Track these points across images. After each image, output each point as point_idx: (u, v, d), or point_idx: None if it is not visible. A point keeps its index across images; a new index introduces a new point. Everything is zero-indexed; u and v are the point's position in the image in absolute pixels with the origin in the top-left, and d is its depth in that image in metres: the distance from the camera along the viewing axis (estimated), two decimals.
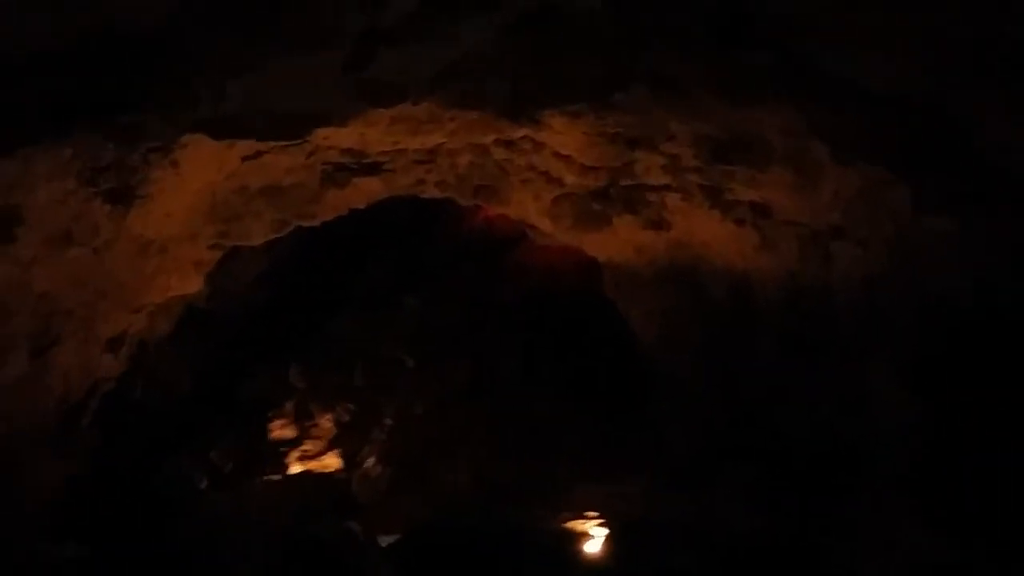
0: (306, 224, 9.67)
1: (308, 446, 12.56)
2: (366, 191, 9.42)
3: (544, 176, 9.08)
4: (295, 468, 12.34)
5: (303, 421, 12.83)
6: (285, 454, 12.54)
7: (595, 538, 9.19)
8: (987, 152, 5.91)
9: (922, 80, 5.51)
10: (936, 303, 6.91)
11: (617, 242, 9.82)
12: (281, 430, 12.77)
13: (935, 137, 5.94)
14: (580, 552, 9.04)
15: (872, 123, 6.13)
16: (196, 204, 8.57)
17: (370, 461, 12.13)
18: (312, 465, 12.36)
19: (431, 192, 9.81)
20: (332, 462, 12.42)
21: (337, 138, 7.97)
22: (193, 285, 9.79)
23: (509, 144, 8.66)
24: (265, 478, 12.03)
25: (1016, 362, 6.46)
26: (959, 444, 6.71)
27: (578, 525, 9.51)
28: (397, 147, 8.44)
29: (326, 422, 12.77)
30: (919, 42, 5.18)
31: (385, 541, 8.89)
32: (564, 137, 8.02)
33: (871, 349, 7.57)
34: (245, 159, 8.20)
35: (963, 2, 4.82)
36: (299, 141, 7.83)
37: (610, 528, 9.20)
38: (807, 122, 6.54)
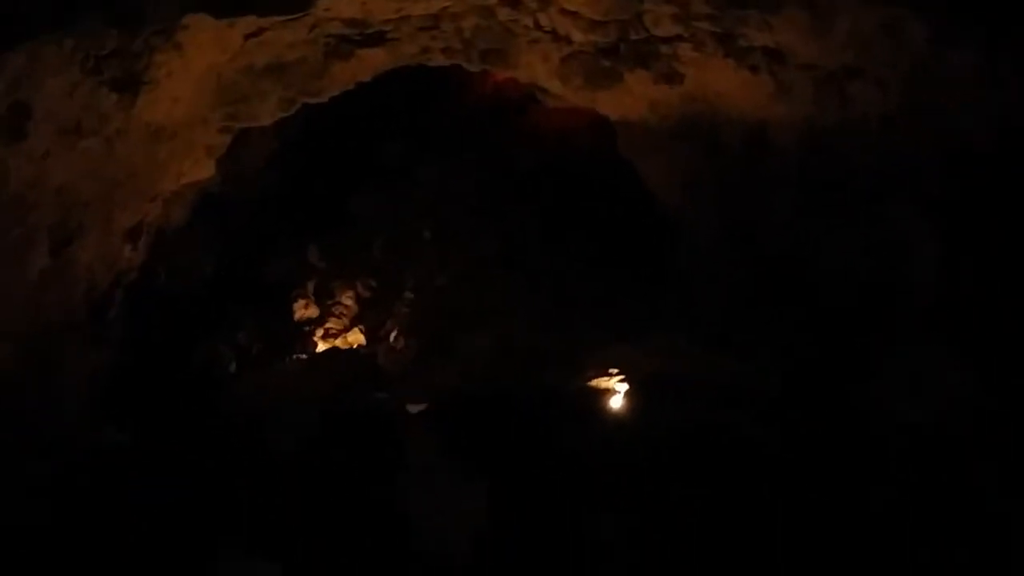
0: (313, 101, 9.56)
1: (331, 324, 12.75)
2: (371, 63, 9.25)
3: (551, 35, 8.86)
4: (321, 346, 12.54)
5: (325, 299, 12.98)
6: (310, 333, 12.74)
7: (618, 393, 9.34)
8: None
9: None
10: (959, 140, 6.82)
11: (630, 99, 9.64)
12: (304, 310, 12.94)
13: None
14: (604, 407, 9.21)
15: None
16: (202, 87, 8.48)
17: (394, 334, 12.29)
18: (337, 342, 12.56)
19: (438, 59, 9.60)
20: (356, 338, 12.61)
21: (339, 8, 7.79)
22: (206, 170, 9.78)
23: (515, 3, 8.42)
24: (292, 357, 12.25)
25: None
26: (984, 280, 6.73)
27: (602, 382, 9.65)
28: (400, 14, 8.24)
29: (347, 299, 12.92)
30: None
31: (415, 410, 9.06)
32: None
33: (893, 190, 7.51)
34: (248, 37, 8.05)
35: None
36: (301, 14, 7.66)
37: (631, 383, 9.34)
38: None
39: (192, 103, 8.54)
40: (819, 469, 6.37)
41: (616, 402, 9.31)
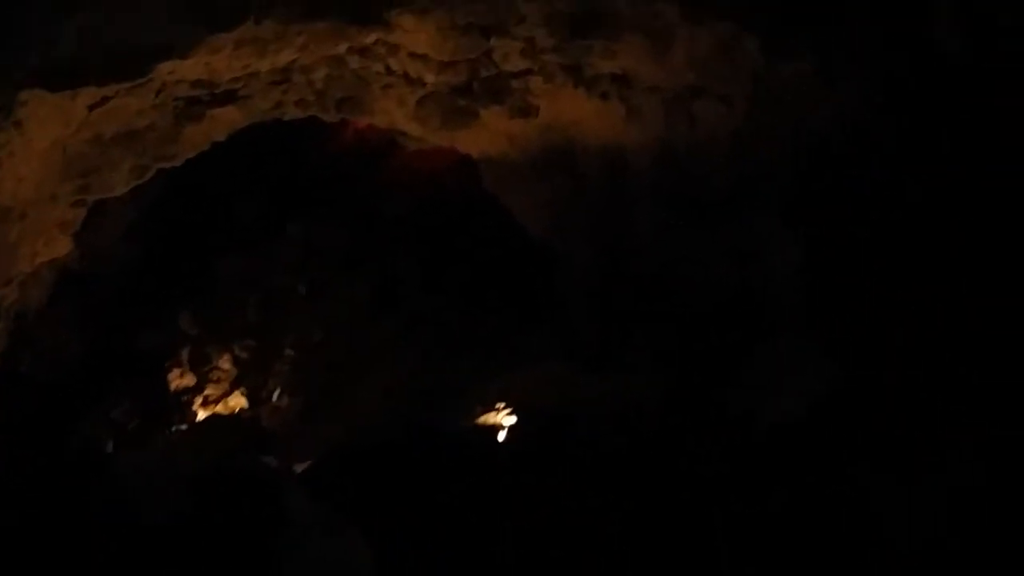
0: (168, 165, 9.36)
1: (210, 390, 12.38)
2: (225, 121, 9.11)
3: (404, 79, 8.92)
4: (201, 414, 12.18)
5: (201, 366, 12.62)
6: (189, 402, 12.35)
7: (507, 428, 9.33)
8: None
9: None
10: (803, 144, 7.14)
11: (488, 135, 9.76)
12: (180, 379, 12.54)
13: None
14: (495, 445, 9.18)
15: None
16: (49, 162, 8.19)
17: (276, 394, 12.04)
18: (218, 408, 12.23)
19: (293, 113, 9.54)
20: (238, 402, 12.29)
21: (183, 71, 7.66)
22: (62, 247, 9.45)
23: (364, 51, 8.45)
24: (172, 429, 11.87)
25: (886, 187, 6.75)
26: (843, 276, 7.02)
27: (491, 418, 9.63)
28: (248, 71, 8.15)
29: (225, 363, 12.58)
30: None
31: (300, 469, 8.87)
32: (417, 35, 7.89)
33: (749, 199, 7.81)
34: (92, 107, 7.84)
35: None
36: (143, 80, 7.50)
37: (520, 417, 9.35)
38: None
39: (39, 180, 8.25)
40: (703, 475, 6.50)
41: (506, 437, 9.29)
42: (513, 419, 9.31)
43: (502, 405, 9.57)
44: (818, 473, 6.03)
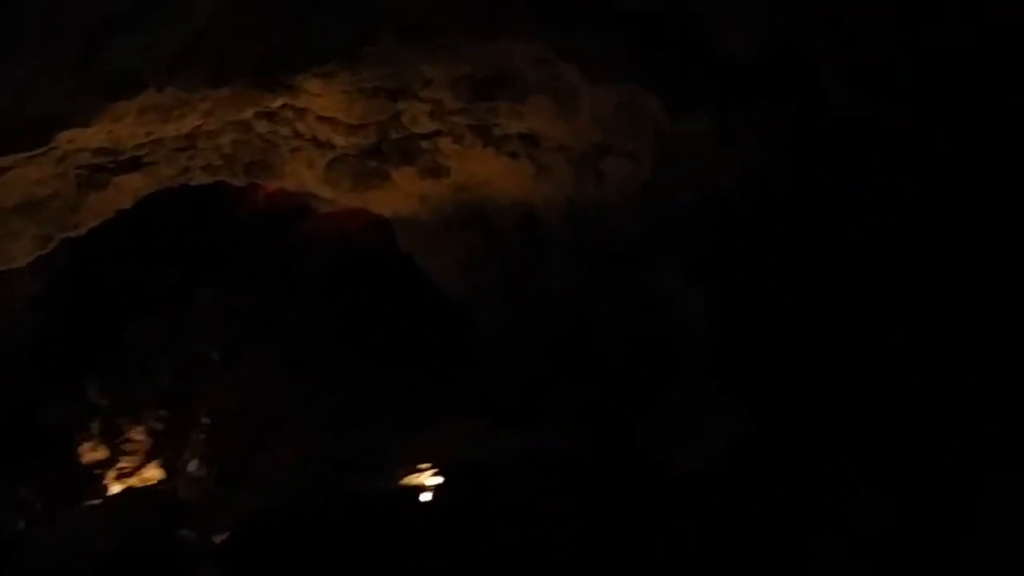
0: (72, 234, 9.14)
1: (124, 463, 12.04)
2: (129, 189, 8.95)
3: (313, 142, 8.91)
4: (114, 488, 11.81)
5: (113, 438, 12.27)
6: (101, 476, 11.99)
7: (430, 488, 9.27)
8: (723, 50, 6.26)
9: None
10: (707, 197, 7.33)
11: (400, 196, 9.80)
12: (92, 452, 12.16)
13: (673, 43, 6.24)
14: (417, 505, 9.10)
15: (614, 40, 6.38)
16: None
17: (193, 464, 11.76)
18: (132, 481, 11.88)
19: (200, 178, 9.43)
20: (153, 474, 11.97)
21: (84, 139, 7.52)
22: None
23: (270, 115, 8.43)
24: (84, 505, 11.47)
25: (788, 241, 6.95)
26: (747, 325, 7.18)
27: (413, 479, 9.56)
28: (152, 138, 8.03)
29: (138, 434, 12.26)
30: None
31: (217, 540, 8.65)
32: (324, 99, 7.89)
33: (657, 252, 7.96)
34: None
35: None
36: (44, 149, 7.33)
37: (442, 476, 9.30)
38: (554, 48, 6.74)
39: None
40: (617, 526, 6.56)
41: (428, 497, 9.22)
42: (438, 479, 9.26)
43: (425, 465, 9.52)
44: (732, 517, 6.13)
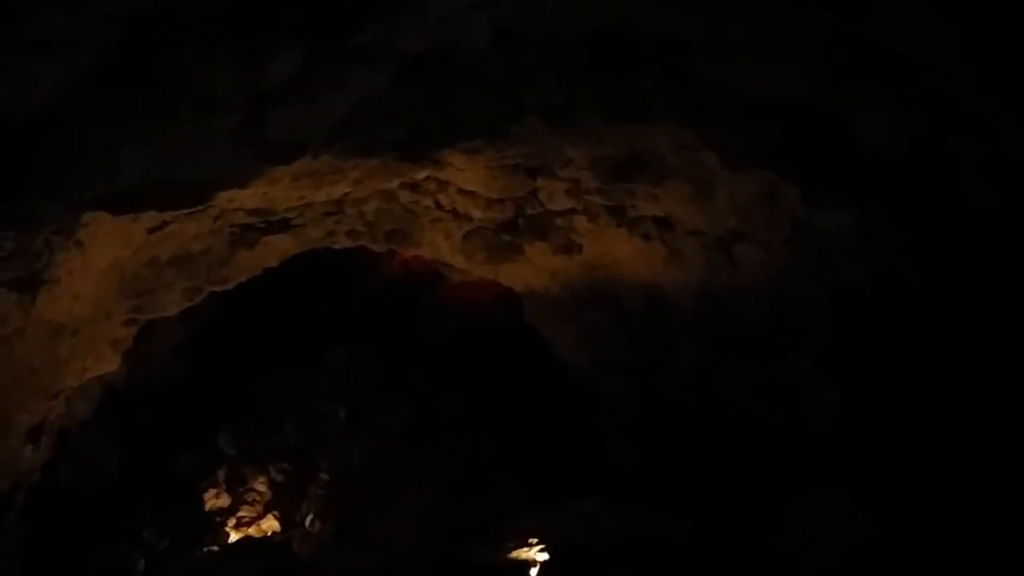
0: (219, 289, 9.59)
1: (244, 512, 12.36)
2: (277, 248, 9.40)
3: (452, 213, 9.20)
4: (233, 536, 12.12)
5: (237, 487, 12.62)
6: (222, 523, 12.32)
7: (539, 565, 9.22)
8: (864, 145, 6.21)
9: (795, 83, 5.78)
10: (842, 291, 7.19)
11: (532, 270, 9.96)
12: (215, 499, 12.54)
13: (815, 136, 6.22)
14: None
15: (756, 129, 6.40)
16: (105, 282, 8.44)
17: (309, 519, 11.98)
18: (250, 531, 12.17)
19: (343, 242, 9.83)
20: (270, 525, 12.24)
21: (241, 199, 7.94)
22: (110, 364, 9.61)
23: (414, 186, 8.76)
24: (203, 550, 11.80)
25: (920, 339, 6.74)
26: (878, 426, 6.96)
27: (523, 554, 9.53)
28: (303, 201, 8.44)
29: (260, 485, 12.59)
30: (787, 47, 5.43)
31: None
32: (466, 173, 8.15)
33: (787, 343, 7.83)
34: (151, 231, 8.12)
35: (824, 3, 5.07)
36: (203, 207, 7.78)
37: (552, 553, 9.25)
38: (695, 135, 6.80)
39: (95, 298, 8.48)
40: None
41: (537, 572, 9.18)
42: (545, 556, 9.22)
43: (535, 541, 9.49)
44: None
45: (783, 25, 5.10)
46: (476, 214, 9.08)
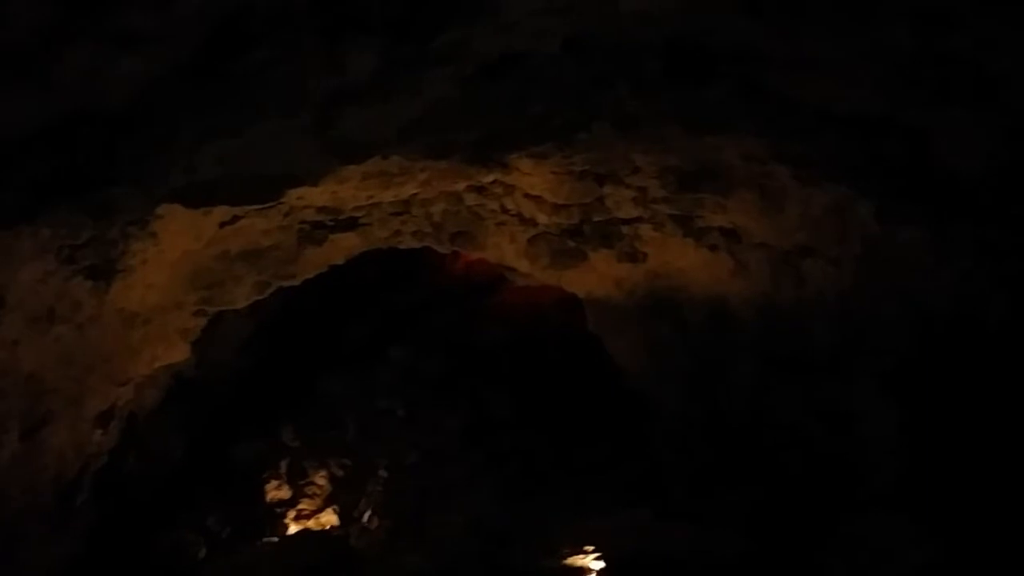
0: (287, 284, 9.76)
1: (304, 505, 12.54)
2: (344, 246, 9.53)
3: (517, 217, 9.23)
4: (292, 528, 12.29)
5: (298, 480, 12.81)
6: (282, 515, 12.50)
7: (595, 573, 9.19)
8: (943, 162, 6.08)
9: (873, 98, 5.68)
10: (912, 312, 7.04)
11: (595, 277, 9.95)
12: (276, 491, 12.74)
13: (891, 152, 6.11)
14: None
15: (830, 143, 6.30)
16: (177, 273, 8.65)
17: (367, 515, 12.11)
18: (309, 524, 12.33)
19: (408, 242, 9.93)
20: (329, 519, 12.39)
21: (311, 197, 8.08)
22: (180, 354, 9.83)
23: (480, 189, 8.82)
24: (263, 541, 11.98)
25: (995, 364, 6.59)
26: (943, 450, 6.82)
27: (577, 561, 9.51)
28: (371, 201, 8.56)
29: (321, 479, 12.77)
30: (866, 61, 5.35)
31: None
32: (533, 178, 8.18)
33: (852, 363, 7.70)
34: (223, 225, 8.30)
35: (905, 19, 4.99)
36: (274, 203, 7.93)
37: (607, 562, 9.22)
38: (767, 147, 6.72)
39: (167, 288, 8.69)
40: None
41: None
42: (601, 564, 9.19)
43: (591, 548, 9.46)
44: None
45: (865, 40, 5.01)
46: (542, 219, 9.10)
